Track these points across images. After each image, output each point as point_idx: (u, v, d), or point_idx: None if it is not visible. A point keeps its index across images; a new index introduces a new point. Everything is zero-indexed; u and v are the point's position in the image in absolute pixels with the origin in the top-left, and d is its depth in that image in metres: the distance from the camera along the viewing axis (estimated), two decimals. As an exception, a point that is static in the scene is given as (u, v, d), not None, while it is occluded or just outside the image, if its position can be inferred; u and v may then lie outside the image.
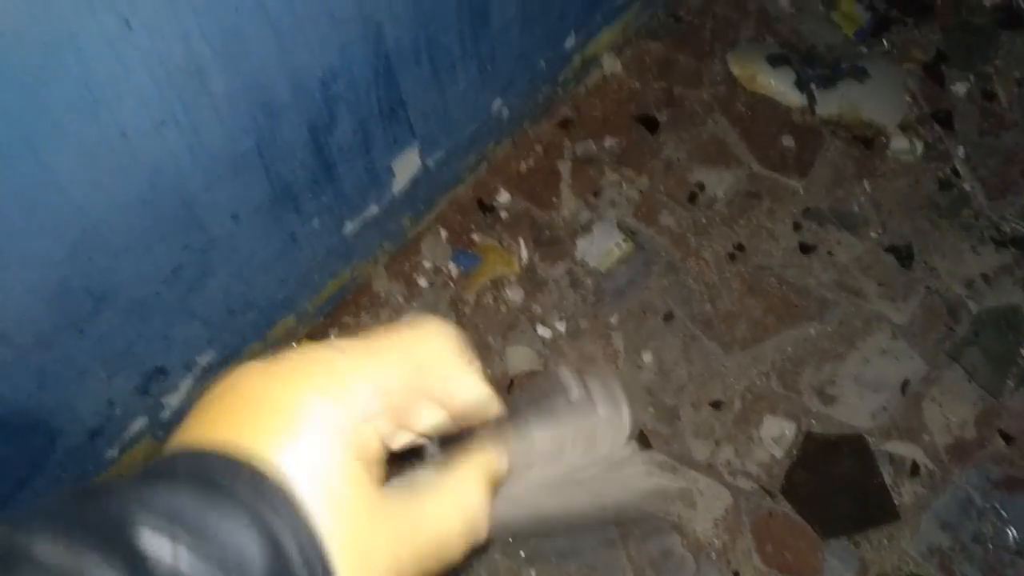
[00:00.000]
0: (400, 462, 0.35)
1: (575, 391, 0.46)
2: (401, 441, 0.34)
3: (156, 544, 0.26)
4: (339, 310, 1.79)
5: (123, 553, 0.26)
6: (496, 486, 0.36)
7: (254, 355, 1.62)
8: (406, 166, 1.64)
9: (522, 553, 1.55)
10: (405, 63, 1.43)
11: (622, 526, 1.57)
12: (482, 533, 0.34)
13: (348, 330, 1.77)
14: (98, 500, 0.27)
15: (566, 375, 0.46)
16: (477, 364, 0.36)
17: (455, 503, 0.33)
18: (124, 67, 0.95)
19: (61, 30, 0.86)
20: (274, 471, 0.28)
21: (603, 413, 0.46)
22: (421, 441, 0.35)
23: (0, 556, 0.25)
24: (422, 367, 0.33)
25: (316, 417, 0.29)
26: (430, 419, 0.34)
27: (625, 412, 0.46)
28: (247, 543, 0.27)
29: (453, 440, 0.37)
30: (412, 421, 0.34)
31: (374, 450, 0.31)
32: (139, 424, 1.46)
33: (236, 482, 0.28)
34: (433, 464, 0.35)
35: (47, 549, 0.25)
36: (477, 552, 0.36)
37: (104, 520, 0.26)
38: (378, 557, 0.30)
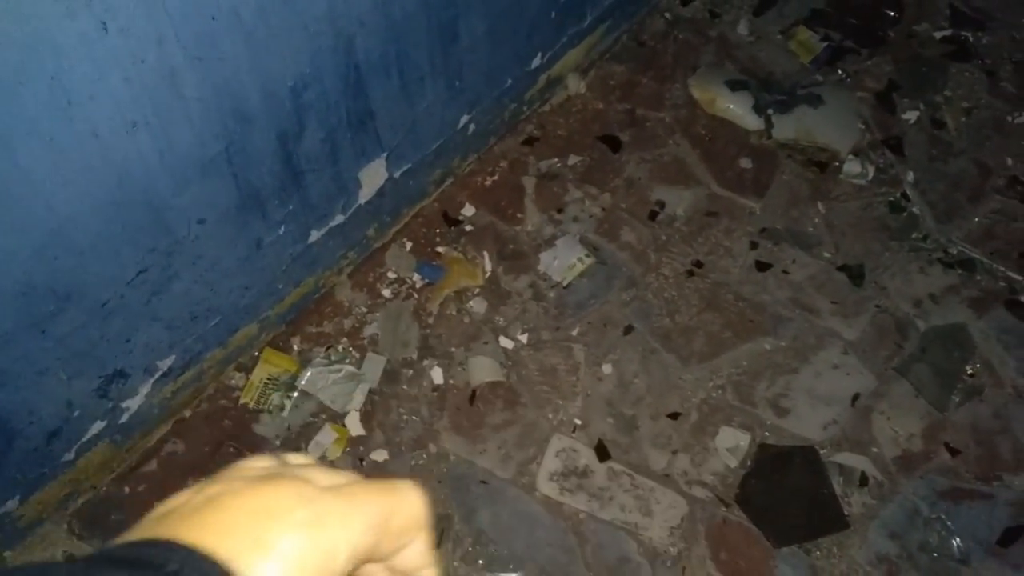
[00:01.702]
0: None
1: None
2: None
3: None
4: (302, 318, 1.80)
5: None
6: None
7: (215, 362, 1.63)
8: (373, 177, 1.66)
9: (480, 561, 1.56)
10: (375, 75, 1.46)
11: (579, 533, 1.59)
12: None
13: (310, 340, 1.78)
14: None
15: None
16: (429, 533, 0.39)
17: None
18: (99, 69, 0.97)
19: (40, 31, 0.87)
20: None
21: None
22: None
23: None
24: (390, 532, 0.36)
25: (289, 552, 0.31)
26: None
27: None
28: None
29: None
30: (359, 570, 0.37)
31: None
32: (97, 427, 1.45)
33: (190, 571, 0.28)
34: None
35: None
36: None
37: None
38: None
